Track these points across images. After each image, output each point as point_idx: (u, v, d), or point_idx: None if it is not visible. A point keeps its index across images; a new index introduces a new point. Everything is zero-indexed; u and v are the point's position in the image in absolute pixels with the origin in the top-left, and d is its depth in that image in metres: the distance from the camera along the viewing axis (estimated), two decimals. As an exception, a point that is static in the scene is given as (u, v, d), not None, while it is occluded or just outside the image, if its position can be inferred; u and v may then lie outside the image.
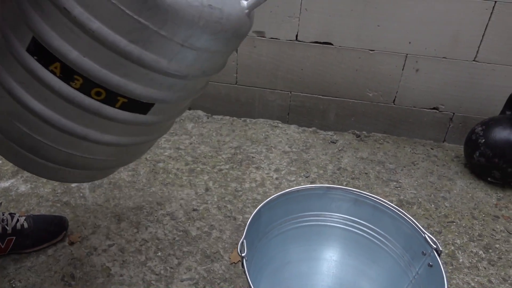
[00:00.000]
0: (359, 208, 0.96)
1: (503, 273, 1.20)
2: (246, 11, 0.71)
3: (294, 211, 0.96)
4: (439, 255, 0.81)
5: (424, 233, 0.85)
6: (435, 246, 0.82)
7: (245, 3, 0.72)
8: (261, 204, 0.89)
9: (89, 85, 0.64)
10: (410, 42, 1.66)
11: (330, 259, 1.02)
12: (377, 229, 0.95)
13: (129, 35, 0.61)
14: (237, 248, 0.78)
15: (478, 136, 1.52)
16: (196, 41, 0.65)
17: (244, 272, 0.76)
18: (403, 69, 1.73)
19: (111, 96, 0.66)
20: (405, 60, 1.70)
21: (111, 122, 0.70)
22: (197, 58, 0.68)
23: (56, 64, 0.63)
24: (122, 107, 0.68)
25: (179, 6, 0.60)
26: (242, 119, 1.86)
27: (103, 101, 0.66)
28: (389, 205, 0.92)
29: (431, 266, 0.82)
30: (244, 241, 0.79)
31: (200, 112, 1.87)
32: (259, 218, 0.89)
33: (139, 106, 0.69)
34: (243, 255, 0.77)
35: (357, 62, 1.74)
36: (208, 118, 1.84)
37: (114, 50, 0.62)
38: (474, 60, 1.66)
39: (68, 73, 0.63)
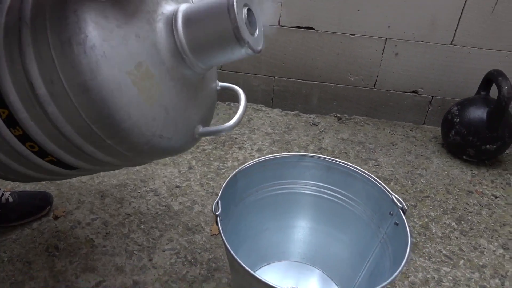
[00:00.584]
0: (332, 175, 1.00)
1: (473, 242, 1.25)
2: (197, 137, 0.80)
3: (269, 178, 1.00)
4: (404, 213, 0.85)
5: (391, 194, 0.89)
6: (401, 206, 0.86)
7: (200, 130, 0.79)
8: (237, 170, 0.92)
9: (26, 138, 0.69)
10: (389, 26, 1.71)
11: (305, 226, 1.06)
12: (349, 195, 0.99)
13: (79, 129, 0.66)
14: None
15: (454, 115, 1.57)
16: (136, 155, 0.73)
17: (219, 230, 0.79)
18: (383, 53, 1.77)
19: (42, 152, 0.71)
20: (384, 44, 1.75)
21: (39, 167, 0.76)
22: (132, 157, 0.74)
23: (4, 110, 0.67)
24: (50, 162, 0.74)
25: (132, 133, 0.66)
26: (226, 103, 1.89)
27: (34, 153, 0.72)
28: (360, 171, 0.96)
29: (397, 224, 0.87)
30: (219, 201, 0.83)
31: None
32: (235, 183, 0.93)
33: (65, 165, 0.75)
34: (217, 213, 0.80)
35: (338, 46, 1.79)
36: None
37: (59, 131, 0.66)
38: (451, 44, 1.71)
39: (12, 121, 0.68)
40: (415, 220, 1.31)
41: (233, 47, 0.70)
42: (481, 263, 1.18)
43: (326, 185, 1.01)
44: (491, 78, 1.51)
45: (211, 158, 1.51)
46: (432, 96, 1.83)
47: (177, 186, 1.37)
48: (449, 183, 1.48)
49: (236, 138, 1.64)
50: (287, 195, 1.03)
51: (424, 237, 1.25)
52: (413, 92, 1.84)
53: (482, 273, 1.15)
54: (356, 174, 0.97)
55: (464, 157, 1.58)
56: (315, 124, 1.78)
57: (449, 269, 1.15)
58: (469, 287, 1.11)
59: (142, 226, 1.21)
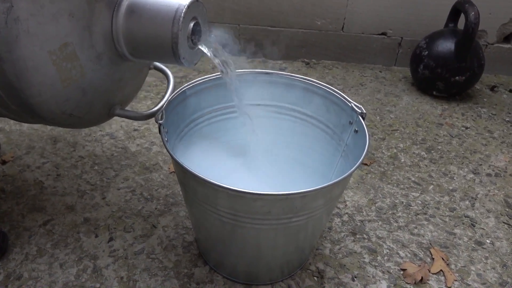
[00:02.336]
0: (291, 92, 0.94)
1: (443, 169, 1.21)
2: (111, 115, 0.79)
3: (222, 98, 0.93)
4: (363, 119, 0.80)
5: (350, 102, 0.84)
6: (359, 111, 0.81)
7: (116, 111, 0.79)
8: (186, 85, 0.85)
9: None
10: (354, -37, 1.64)
11: (263, 151, 1.00)
12: (309, 113, 0.93)
13: None
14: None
15: (422, 49, 1.52)
16: (45, 123, 0.73)
17: (162, 138, 0.73)
18: (349, -7, 1.71)
19: None
20: (350, -17, 1.69)
21: None
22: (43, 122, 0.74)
23: None
24: None
25: (39, 108, 0.65)
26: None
27: None
28: (319, 84, 0.90)
29: (357, 131, 0.82)
30: (163, 111, 0.76)
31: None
32: (184, 101, 0.86)
33: None
34: (160, 122, 0.74)
35: (303, -13, 1.71)
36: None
37: None
38: (418, -21, 1.65)
39: None
40: (383, 151, 1.27)
41: (168, 56, 0.69)
42: (450, 188, 1.15)
43: (286, 105, 0.95)
44: (459, 8, 1.47)
45: (172, 103, 1.44)
46: (402, 38, 1.78)
47: (135, 130, 1.30)
48: (418, 117, 1.44)
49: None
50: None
51: (392, 166, 1.21)
52: (382, 34, 1.78)
53: (452, 197, 1.12)
54: (315, 88, 0.91)
55: (434, 92, 1.54)
56: (281, 70, 1.72)
57: (418, 194, 1.12)
58: (438, 210, 1.07)
59: (96, 167, 1.14)
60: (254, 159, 0.97)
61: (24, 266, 0.86)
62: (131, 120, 1.33)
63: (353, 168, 0.68)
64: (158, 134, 1.28)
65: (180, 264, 0.89)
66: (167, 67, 0.93)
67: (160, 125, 0.74)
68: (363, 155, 0.70)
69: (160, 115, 0.75)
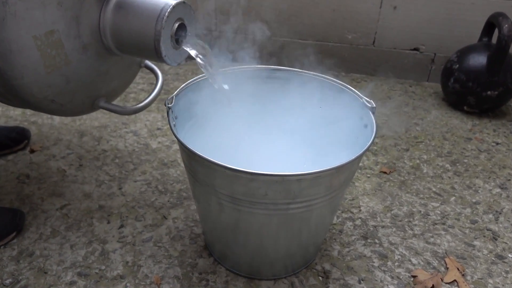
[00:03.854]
0: (307, 89, 0.94)
1: (468, 182, 1.16)
2: (96, 107, 0.82)
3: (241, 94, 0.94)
4: (373, 114, 0.79)
5: (361, 98, 0.83)
6: (370, 105, 0.80)
7: (101, 103, 0.81)
8: (201, 75, 0.87)
9: None
10: (385, -22, 1.65)
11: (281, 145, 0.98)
12: (325, 111, 0.92)
13: None
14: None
15: (453, 63, 1.48)
16: (27, 106, 0.76)
17: (169, 122, 0.75)
18: (380, 7, 1.71)
19: None
20: (381, -3, 1.69)
21: None
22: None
23: None
24: None
25: (21, 90, 0.68)
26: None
27: None
28: (333, 81, 0.90)
29: (366, 126, 0.80)
30: (174, 96, 0.78)
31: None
32: (198, 90, 0.88)
33: None
34: (170, 105, 0.76)
35: (334, 2, 1.73)
36: (186, 61, 1.85)
37: None
38: (452, -6, 1.63)
39: None
40: (405, 161, 1.23)
41: (150, 53, 0.72)
42: (474, 200, 1.09)
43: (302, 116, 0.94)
44: (493, 22, 1.42)
45: (197, 107, 1.47)
46: (435, 54, 1.75)
47: (158, 129, 1.34)
48: (446, 131, 1.39)
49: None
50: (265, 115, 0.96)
51: (413, 176, 1.17)
52: (414, 49, 1.76)
53: (474, 209, 1.06)
54: (328, 85, 0.91)
55: (465, 107, 1.49)
56: (309, 81, 1.72)
57: (438, 204, 1.07)
58: (458, 221, 1.02)
59: (116, 161, 1.18)
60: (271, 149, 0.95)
61: (37, 245, 0.90)
62: (155, 120, 1.37)
63: (354, 157, 0.66)
64: (180, 133, 1.31)
65: (185, 254, 0.89)
66: (157, 67, 0.95)
67: (169, 108, 0.76)
68: (368, 145, 0.69)
69: (171, 99, 0.78)
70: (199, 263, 0.87)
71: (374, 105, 0.79)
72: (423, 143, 1.32)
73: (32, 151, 1.20)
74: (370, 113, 0.79)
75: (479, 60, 1.41)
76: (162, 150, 1.23)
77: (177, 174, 1.13)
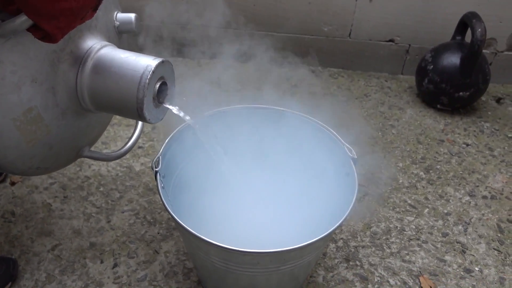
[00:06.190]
0: (282, 127, 0.95)
1: (440, 191, 1.23)
2: (80, 156, 0.81)
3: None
4: (354, 164, 0.82)
5: (344, 144, 0.86)
6: (351, 155, 0.83)
7: (85, 152, 0.81)
8: (183, 124, 0.88)
9: None
10: (360, -30, 1.62)
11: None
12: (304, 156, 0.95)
13: None
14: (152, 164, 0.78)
15: (427, 63, 1.51)
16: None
17: (157, 186, 0.76)
18: (356, 0, 1.68)
19: None
20: (357, -10, 1.66)
21: None
22: None
23: None
24: None
25: (5, 167, 0.69)
26: (196, 60, 1.82)
27: None
28: (312, 120, 0.92)
29: (348, 175, 0.84)
30: (160, 157, 0.79)
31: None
32: (181, 139, 0.89)
33: None
34: (157, 169, 0.77)
35: (309, -6, 1.69)
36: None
37: None
38: (427, -13, 1.62)
39: None
40: (382, 171, 1.29)
41: (132, 114, 0.70)
42: (445, 211, 1.17)
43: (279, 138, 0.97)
44: (466, 21, 1.44)
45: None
46: (409, 45, 1.76)
47: (139, 147, 1.34)
48: (420, 133, 1.45)
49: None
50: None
51: (390, 188, 1.23)
52: (390, 40, 1.76)
53: (445, 221, 1.14)
54: (308, 124, 0.93)
55: (438, 106, 1.54)
56: (287, 79, 1.72)
57: (413, 218, 1.14)
58: (431, 235, 1.10)
59: (101, 189, 1.18)
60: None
61: (34, 293, 0.93)
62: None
63: (336, 226, 0.70)
64: (162, 152, 1.32)
65: (179, 291, 0.94)
66: None
67: (156, 172, 0.77)
68: (349, 208, 0.73)
69: (157, 161, 0.79)
70: (194, 301, 0.92)
71: (355, 156, 0.82)
72: (399, 148, 1.38)
73: (12, 183, 1.18)
74: (351, 162, 0.83)
75: (452, 61, 1.45)
76: (146, 173, 1.24)
77: (163, 201, 1.15)
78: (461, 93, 1.45)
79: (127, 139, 1.35)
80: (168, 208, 0.71)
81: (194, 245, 0.75)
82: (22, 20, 0.55)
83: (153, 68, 0.67)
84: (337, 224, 0.70)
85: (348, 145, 0.85)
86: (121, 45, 0.84)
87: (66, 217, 1.10)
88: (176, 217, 0.69)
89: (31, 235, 1.05)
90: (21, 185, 1.18)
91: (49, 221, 1.09)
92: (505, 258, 1.05)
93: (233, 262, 0.71)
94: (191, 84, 1.41)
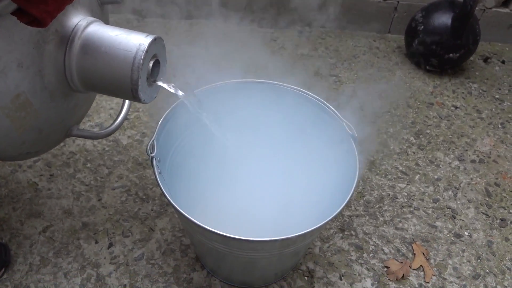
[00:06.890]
0: (282, 101, 0.92)
1: (430, 156, 1.24)
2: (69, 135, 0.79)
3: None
4: (354, 142, 0.81)
5: (342, 120, 0.84)
6: (351, 133, 0.81)
7: (74, 131, 0.78)
8: (174, 104, 0.84)
9: None
10: None
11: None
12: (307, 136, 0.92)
13: None
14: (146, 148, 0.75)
15: (418, 23, 1.47)
16: None
17: (154, 173, 0.73)
18: (344, -46, 1.60)
19: None
20: None
21: None
22: None
23: None
24: None
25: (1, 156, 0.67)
26: (177, 21, 1.73)
27: None
28: (312, 96, 0.89)
29: (347, 152, 0.83)
30: (154, 141, 0.76)
31: (130, 16, 1.72)
32: (174, 119, 0.85)
33: None
34: (152, 155, 0.74)
35: None
36: (139, 21, 1.70)
37: None
38: None
39: None
40: (373, 138, 1.28)
41: (125, 96, 0.67)
42: (436, 177, 1.19)
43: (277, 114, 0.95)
44: (458, -21, 1.40)
45: (161, 85, 1.41)
46: (398, 1, 1.71)
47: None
48: (410, 96, 1.44)
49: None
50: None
51: (381, 154, 1.23)
52: (378, -3, 1.70)
53: (436, 187, 1.16)
54: (306, 100, 0.90)
55: (427, 67, 1.52)
56: (273, 40, 1.66)
57: (404, 185, 1.16)
58: (422, 201, 1.12)
59: (88, 165, 1.14)
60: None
61: (30, 277, 0.91)
62: (119, 106, 1.31)
63: (341, 207, 0.70)
64: (148, 123, 1.27)
65: (179, 269, 0.94)
66: None
67: (152, 158, 0.74)
68: (347, 198, 0.72)
69: (151, 146, 0.75)
70: (194, 277, 0.93)
71: (356, 134, 0.81)
72: (389, 113, 1.37)
73: (-6, 162, 1.13)
74: (351, 139, 0.81)
75: (443, 22, 1.41)
76: (134, 147, 1.20)
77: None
78: (451, 55, 1.43)
79: (109, 110, 1.30)
80: (170, 200, 0.69)
81: (194, 230, 0.74)
82: (5, 4, 0.49)
83: (146, 48, 0.63)
84: (343, 204, 0.70)
85: (347, 122, 0.83)
86: (104, 16, 0.79)
87: (54, 197, 1.06)
88: (179, 209, 0.67)
89: (20, 217, 1.02)
90: (2, 163, 1.13)
91: (37, 201, 1.05)
92: (493, 221, 1.09)
93: (235, 248, 0.71)
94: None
